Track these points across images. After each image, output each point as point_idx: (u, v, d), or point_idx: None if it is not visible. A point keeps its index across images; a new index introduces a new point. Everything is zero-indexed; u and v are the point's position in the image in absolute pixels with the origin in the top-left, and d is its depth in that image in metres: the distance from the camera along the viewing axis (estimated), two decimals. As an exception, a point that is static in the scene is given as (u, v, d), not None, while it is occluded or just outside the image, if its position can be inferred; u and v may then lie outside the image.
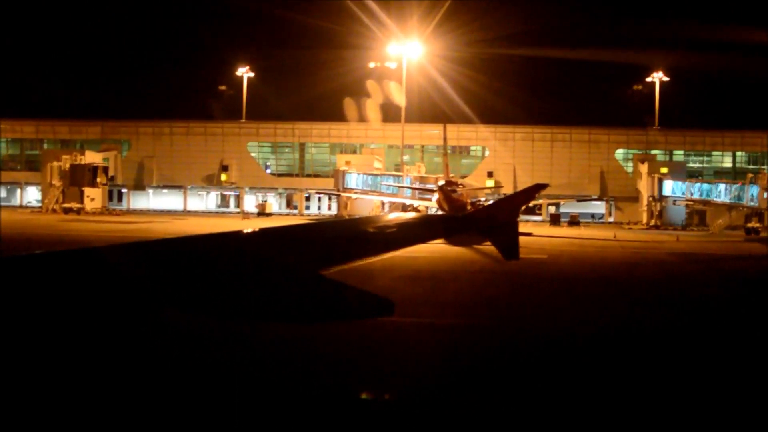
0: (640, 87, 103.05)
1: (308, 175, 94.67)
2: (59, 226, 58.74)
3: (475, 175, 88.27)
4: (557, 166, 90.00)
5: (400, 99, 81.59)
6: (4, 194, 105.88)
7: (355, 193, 75.88)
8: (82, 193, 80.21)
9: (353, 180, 77.18)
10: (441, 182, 59.07)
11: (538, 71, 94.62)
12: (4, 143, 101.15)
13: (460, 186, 61.19)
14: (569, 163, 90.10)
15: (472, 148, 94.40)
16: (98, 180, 79.95)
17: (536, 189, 13.33)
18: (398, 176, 73.42)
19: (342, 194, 74.10)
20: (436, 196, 60.33)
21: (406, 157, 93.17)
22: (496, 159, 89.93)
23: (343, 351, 13.73)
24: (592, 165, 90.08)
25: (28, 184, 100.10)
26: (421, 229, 6.49)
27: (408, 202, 68.27)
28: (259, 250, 4.76)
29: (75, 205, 79.25)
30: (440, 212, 63.78)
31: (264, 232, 5.27)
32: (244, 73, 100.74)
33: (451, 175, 72.62)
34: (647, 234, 67.81)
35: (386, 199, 70.98)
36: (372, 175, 76.52)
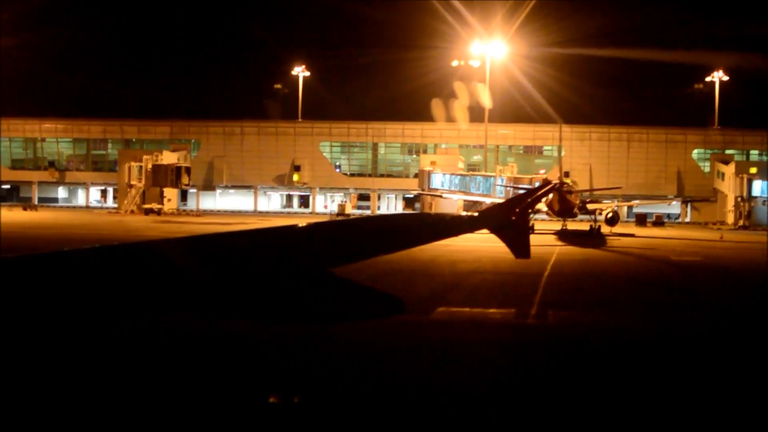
0: (701, 86, 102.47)
1: (381, 175, 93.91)
2: (160, 228, 57.99)
3: (551, 176, 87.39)
4: (633, 166, 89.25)
5: (478, 99, 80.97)
6: (65, 195, 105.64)
7: (441, 192, 75.13)
8: (162, 193, 79.55)
9: (438, 180, 76.33)
10: (556, 182, 58.16)
11: (614, 71, 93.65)
12: (69, 143, 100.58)
13: (566, 186, 60.29)
14: (645, 163, 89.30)
15: (546, 147, 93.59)
16: (182, 181, 79.14)
17: (548, 188, 13.19)
18: (489, 176, 72.37)
19: (444, 196, 73.19)
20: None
21: (477, 157, 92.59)
22: (572, 159, 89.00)
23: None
24: (668, 165, 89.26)
25: (94, 184, 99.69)
26: (437, 227, 6.39)
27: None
28: (268, 248, 4.67)
29: (155, 206, 78.54)
30: (544, 212, 63.03)
31: (274, 229, 5.17)
32: (300, 72, 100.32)
33: (539, 173, 72.14)
34: (745, 235, 66.81)
35: (488, 200, 69.93)
36: (460, 175, 75.60)
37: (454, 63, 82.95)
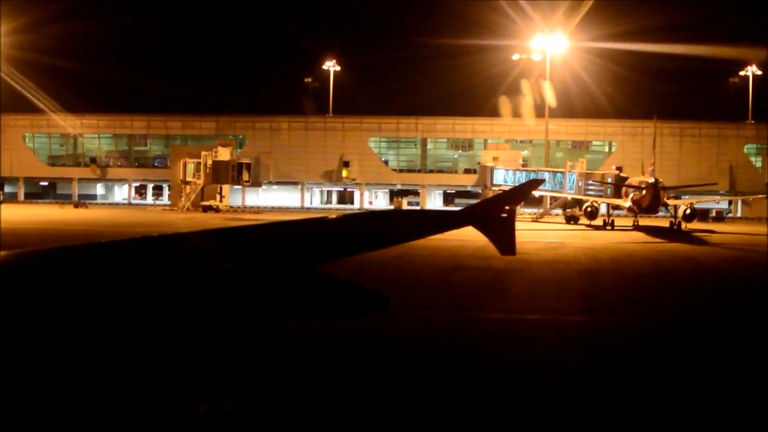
0: (736, 80, 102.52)
1: (430, 171, 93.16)
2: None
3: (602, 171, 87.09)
4: (685, 160, 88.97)
5: (531, 94, 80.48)
6: (103, 192, 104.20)
7: (503, 188, 74.50)
8: (221, 190, 78.22)
9: (501, 176, 75.66)
10: (651, 179, 57.55)
11: (665, 65, 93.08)
12: (107, 139, 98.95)
13: (660, 182, 59.59)
14: (698, 158, 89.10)
15: (595, 143, 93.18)
16: (243, 177, 77.79)
17: (534, 185, 13.61)
18: (558, 172, 71.53)
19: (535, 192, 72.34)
20: (630, 194, 59.32)
21: (525, 152, 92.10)
22: (624, 154, 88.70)
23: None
24: (720, 160, 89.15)
25: (136, 180, 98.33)
26: (422, 224, 6.58)
27: (578, 197, 67.26)
28: (253, 245, 4.75)
29: (214, 203, 77.13)
30: (625, 208, 62.43)
31: (260, 226, 5.29)
32: (331, 67, 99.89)
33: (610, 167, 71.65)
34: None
35: (568, 196, 69.21)
36: (526, 170, 74.96)
37: (515, 57, 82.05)
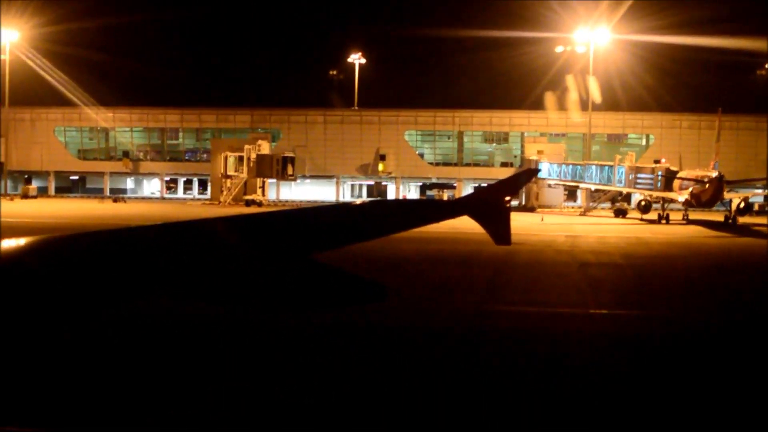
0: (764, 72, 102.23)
1: (467, 164, 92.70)
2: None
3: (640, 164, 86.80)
4: (724, 153, 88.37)
5: (571, 87, 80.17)
6: (132, 186, 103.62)
7: (548, 182, 74.60)
8: (264, 184, 77.55)
9: (546, 169, 75.22)
10: (714, 173, 57.26)
11: (704, 57, 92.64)
12: (141, 132, 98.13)
13: (724, 177, 59.23)
14: (736, 151, 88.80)
15: (631, 136, 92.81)
16: (287, 171, 76.94)
17: (530, 174, 13.73)
18: (606, 165, 71.08)
19: (580, 186, 72.16)
20: (689, 188, 58.86)
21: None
22: (662, 147, 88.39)
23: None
24: (759, 152, 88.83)
25: (168, 174, 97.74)
26: (418, 213, 6.57)
27: (629, 190, 67.14)
28: (248, 235, 4.71)
29: (257, 197, 76.45)
30: (681, 202, 62.01)
31: (254, 216, 5.24)
32: (356, 60, 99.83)
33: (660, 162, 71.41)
34: None
35: (625, 189, 68.76)
36: (573, 164, 74.63)
37: (559, 49, 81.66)
